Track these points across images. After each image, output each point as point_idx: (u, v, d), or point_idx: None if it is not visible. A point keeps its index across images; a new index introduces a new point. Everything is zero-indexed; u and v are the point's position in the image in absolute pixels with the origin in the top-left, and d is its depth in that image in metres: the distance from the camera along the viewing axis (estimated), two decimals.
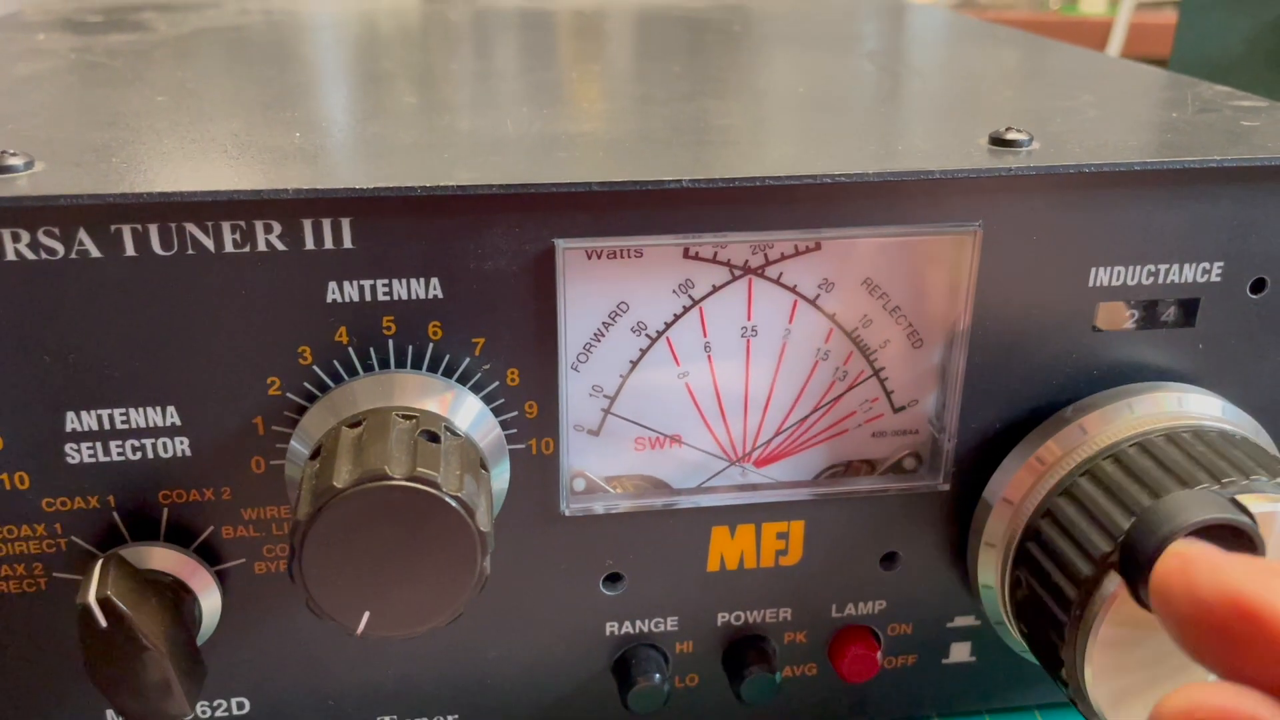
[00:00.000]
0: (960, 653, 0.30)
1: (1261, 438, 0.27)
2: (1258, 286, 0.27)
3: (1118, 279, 0.26)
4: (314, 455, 0.23)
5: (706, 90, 0.33)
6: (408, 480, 0.21)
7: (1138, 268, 0.26)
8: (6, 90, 0.31)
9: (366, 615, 0.22)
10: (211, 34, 0.43)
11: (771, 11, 0.53)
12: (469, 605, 0.22)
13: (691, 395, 0.27)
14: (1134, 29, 1.02)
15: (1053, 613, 0.24)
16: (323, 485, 0.21)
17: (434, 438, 0.23)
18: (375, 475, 0.21)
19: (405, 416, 0.23)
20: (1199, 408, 0.27)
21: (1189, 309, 0.27)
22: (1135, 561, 0.22)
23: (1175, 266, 0.26)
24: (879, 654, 0.29)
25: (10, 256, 0.22)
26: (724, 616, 0.29)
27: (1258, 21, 0.43)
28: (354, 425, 0.23)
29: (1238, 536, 0.22)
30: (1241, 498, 0.24)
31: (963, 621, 0.30)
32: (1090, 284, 0.26)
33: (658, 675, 0.28)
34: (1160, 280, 0.26)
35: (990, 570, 0.27)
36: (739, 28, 0.47)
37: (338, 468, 0.22)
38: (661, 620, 0.28)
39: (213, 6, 0.51)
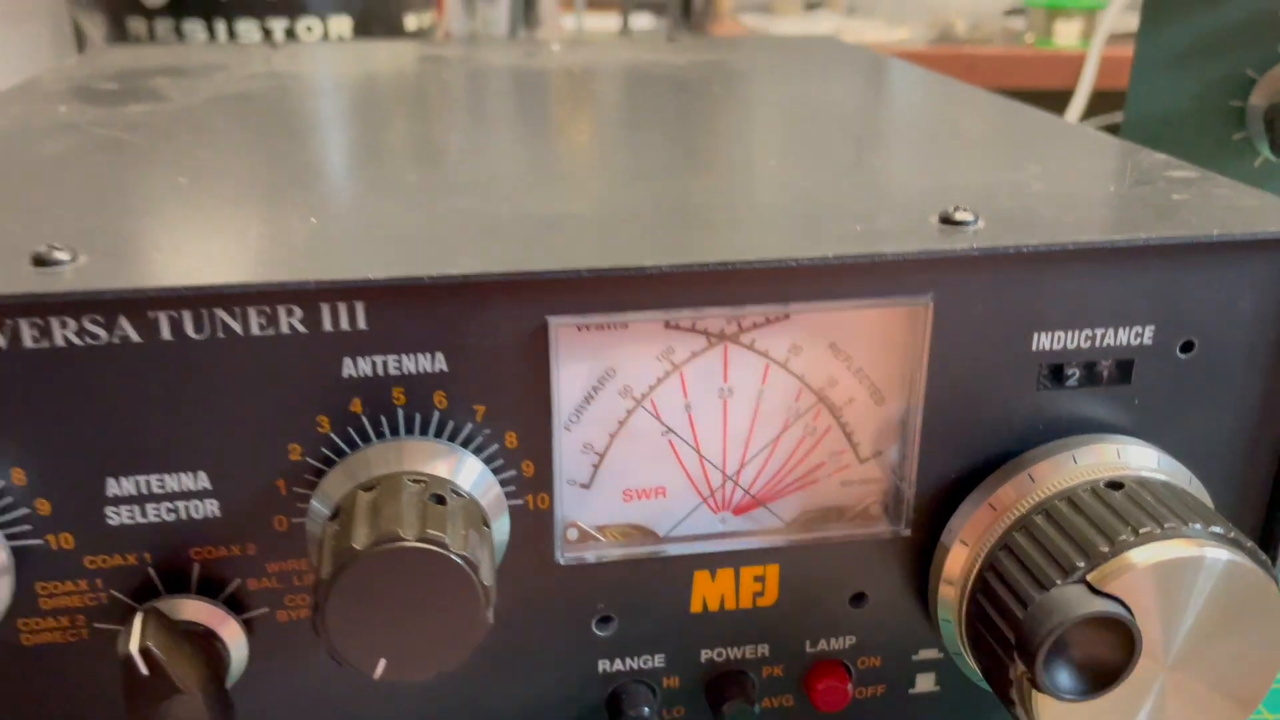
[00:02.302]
0: (925, 683, 0.33)
1: (1194, 485, 0.30)
2: (1186, 347, 0.30)
3: (1058, 343, 0.29)
4: (333, 516, 0.25)
5: (687, 164, 0.36)
6: (419, 541, 0.24)
7: (1076, 332, 0.29)
8: (41, 173, 0.34)
9: (383, 662, 0.24)
10: (222, 104, 0.45)
11: (749, 69, 0.56)
12: (475, 650, 0.25)
13: (674, 450, 0.30)
14: (1105, 61, 1.06)
15: (1000, 654, 0.27)
16: (342, 546, 0.24)
17: (441, 500, 0.25)
18: (389, 537, 0.24)
19: (415, 480, 0.26)
20: (1136, 458, 0.29)
21: (1125, 368, 0.30)
22: (1027, 653, 0.25)
23: (1110, 330, 0.29)
24: (850, 685, 0.32)
25: (59, 342, 0.25)
26: (707, 653, 0.31)
27: (1205, 79, 0.46)
28: (369, 489, 0.25)
29: (1115, 625, 0.25)
30: (1173, 543, 0.26)
31: (926, 654, 0.32)
32: (1033, 348, 0.29)
33: (647, 709, 0.30)
34: (1097, 343, 0.29)
35: (949, 608, 0.30)
36: (718, 89, 0.50)
37: (355, 530, 0.24)
38: (650, 658, 0.31)
39: (220, 69, 0.53)
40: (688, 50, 0.61)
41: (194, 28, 0.70)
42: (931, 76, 0.54)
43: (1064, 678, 0.26)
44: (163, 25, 0.70)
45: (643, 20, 1.48)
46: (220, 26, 0.70)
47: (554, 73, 0.54)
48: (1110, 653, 0.26)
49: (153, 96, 0.46)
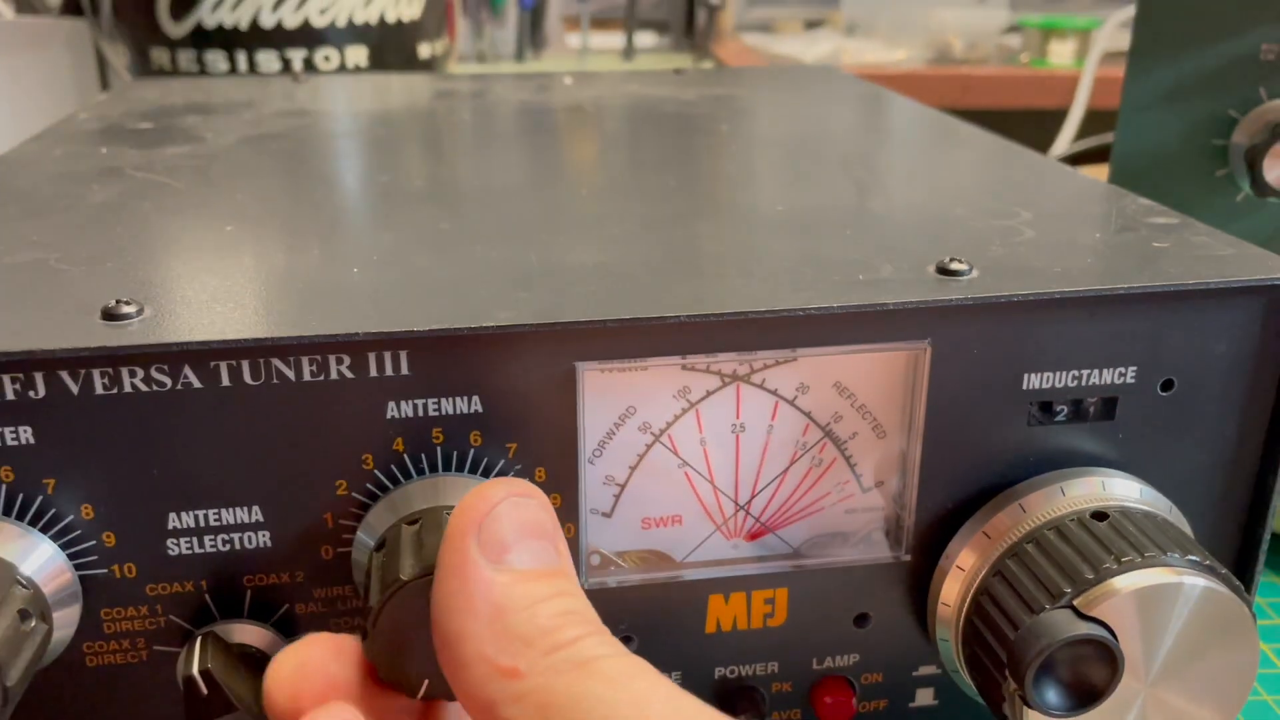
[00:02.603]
0: (925, 697, 0.35)
1: (1174, 515, 0.32)
2: (1167, 386, 0.32)
3: (1047, 382, 0.31)
4: (379, 547, 0.28)
5: (699, 210, 0.38)
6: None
7: (1064, 372, 0.31)
8: (94, 221, 0.36)
9: (426, 682, 0.27)
10: (255, 144, 0.47)
11: (754, 105, 0.58)
12: None
13: (690, 482, 0.32)
14: (1099, 81, 1.08)
15: (993, 672, 0.29)
16: (390, 577, 0.26)
17: None
18: (433, 568, 0.26)
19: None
20: (1120, 490, 0.32)
21: (1109, 406, 0.32)
22: (1018, 672, 0.27)
23: (1096, 371, 0.31)
24: (854, 700, 0.34)
25: (127, 389, 0.27)
26: (720, 670, 0.33)
27: (1190, 119, 0.48)
28: (412, 523, 0.28)
29: (1099, 647, 0.27)
30: (1153, 570, 0.29)
31: (926, 670, 0.34)
32: (1024, 387, 0.31)
33: None
34: (1084, 383, 0.31)
35: (946, 628, 0.32)
36: (726, 127, 0.52)
37: (402, 562, 0.26)
38: (667, 675, 0.33)
39: (247, 106, 0.56)
40: (694, 83, 0.63)
41: (215, 57, 0.73)
42: (929, 113, 0.56)
43: (1052, 695, 0.28)
44: (185, 56, 0.73)
45: (646, 39, 1.51)
46: (241, 57, 0.73)
47: (568, 111, 0.56)
48: (1095, 672, 0.28)
49: (187, 137, 0.48)
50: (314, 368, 0.28)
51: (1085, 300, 0.30)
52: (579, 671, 0.20)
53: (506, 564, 0.22)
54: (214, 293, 0.30)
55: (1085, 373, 0.31)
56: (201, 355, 0.27)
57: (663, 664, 0.33)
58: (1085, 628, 0.28)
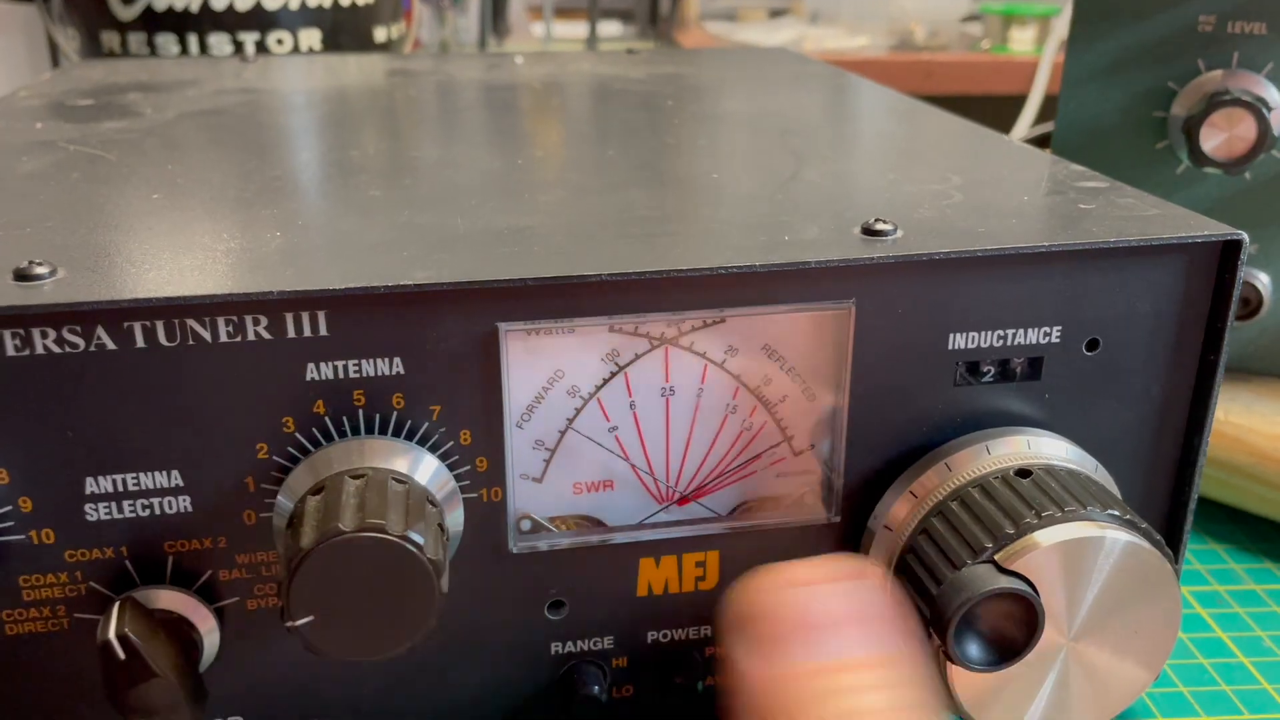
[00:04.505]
0: None
1: (1099, 474, 0.32)
2: (1092, 345, 0.32)
3: (972, 342, 0.31)
4: (289, 525, 0.27)
5: (634, 179, 0.38)
6: (358, 531, 0.26)
7: (989, 332, 0.31)
8: (19, 191, 0.36)
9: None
10: (194, 119, 0.47)
11: (702, 82, 0.58)
12: (432, 629, 0.27)
13: (621, 446, 0.32)
14: (1059, 66, 1.08)
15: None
16: (292, 550, 0.26)
17: (381, 490, 0.27)
18: (332, 533, 0.26)
19: (355, 476, 0.27)
20: (1046, 449, 0.32)
21: (1035, 365, 0.32)
22: (939, 627, 0.28)
23: (1020, 330, 0.31)
24: None
25: (39, 350, 0.27)
26: (653, 635, 0.33)
27: (1130, 91, 0.49)
28: (357, 477, 0.27)
29: (1020, 601, 0.28)
30: (1074, 525, 0.29)
31: None
32: (949, 347, 0.31)
33: (597, 687, 0.33)
34: (1009, 342, 0.31)
35: None
36: (672, 103, 0.52)
37: (304, 531, 0.26)
38: (599, 640, 0.33)
39: (192, 85, 0.55)
40: (646, 63, 0.63)
41: (166, 40, 0.72)
42: (874, 88, 0.56)
43: (974, 650, 0.28)
44: (135, 39, 0.72)
45: (610, 28, 1.51)
46: (192, 39, 0.72)
47: (515, 88, 0.56)
48: (1017, 626, 0.28)
49: (126, 113, 0.48)
50: (230, 328, 0.27)
51: (1007, 259, 0.30)
52: None
53: None
54: (131, 255, 0.29)
55: (1010, 332, 0.31)
56: (114, 315, 0.27)
57: (594, 629, 0.33)
58: (1005, 581, 0.28)
